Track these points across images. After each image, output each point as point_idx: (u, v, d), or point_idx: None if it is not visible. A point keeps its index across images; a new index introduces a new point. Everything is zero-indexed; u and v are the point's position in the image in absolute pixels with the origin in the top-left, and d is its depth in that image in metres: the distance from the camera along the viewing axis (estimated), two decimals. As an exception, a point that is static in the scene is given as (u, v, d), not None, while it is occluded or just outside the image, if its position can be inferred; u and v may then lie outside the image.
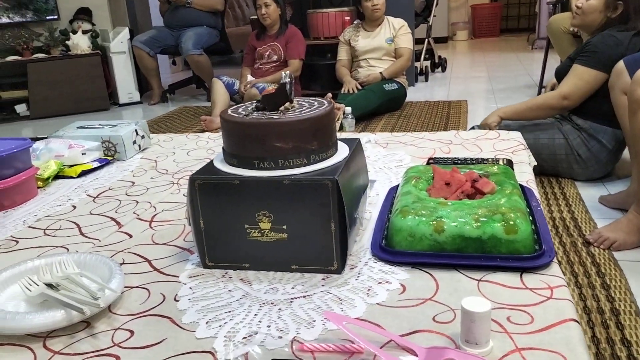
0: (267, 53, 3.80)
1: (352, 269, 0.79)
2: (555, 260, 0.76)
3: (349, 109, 2.88)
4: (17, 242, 0.98)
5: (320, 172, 0.78)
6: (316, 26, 4.06)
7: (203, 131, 3.42)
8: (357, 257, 0.83)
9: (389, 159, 1.29)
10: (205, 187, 0.80)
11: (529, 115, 2.05)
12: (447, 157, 1.17)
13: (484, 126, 2.04)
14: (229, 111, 0.84)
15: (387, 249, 0.81)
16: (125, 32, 4.40)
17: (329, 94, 3.01)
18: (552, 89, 2.26)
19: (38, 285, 0.73)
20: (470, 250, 0.78)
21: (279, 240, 0.79)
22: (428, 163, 1.14)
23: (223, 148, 0.85)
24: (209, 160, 1.38)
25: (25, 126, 4.09)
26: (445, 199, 0.86)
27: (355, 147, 0.90)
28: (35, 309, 0.72)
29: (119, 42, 4.37)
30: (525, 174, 1.10)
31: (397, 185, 1.04)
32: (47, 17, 4.37)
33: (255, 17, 4.03)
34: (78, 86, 4.23)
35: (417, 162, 1.25)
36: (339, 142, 0.89)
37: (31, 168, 1.19)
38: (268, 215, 0.78)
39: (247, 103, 0.89)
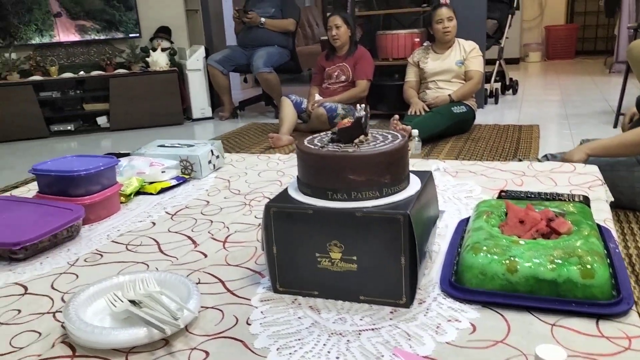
0: (336, 73, 3.85)
1: (421, 303, 0.80)
2: (634, 308, 0.73)
3: (415, 131, 2.87)
4: (102, 256, 1.04)
5: (392, 205, 0.79)
6: (385, 47, 4.08)
7: (270, 148, 3.51)
8: (425, 292, 0.83)
9: (458, 189, 1.28)
10: (279, 214, 0.82)
11: (621, 153, 1.83)
12: (519, 191, 1.15)
13: (566, 161, 1.94)
14: (305, 142, 0.87)
15: (457, 286, 0.81)
16: (201, 51, 4.59)
17: (396, 116, 3.02)
18: (631, 118, 2.16)
19: (122, 302, 0.78)
20: (543, 292, 0.76)
21: (349, 270, 0.80)
22: (499, 196, 1.13)
23: (297, 177, 0.88)
24: (279, 183, 1.43)
25: (105, 137, 4.33)
26: (519, 237, 0.85)
27: (427, 180, 0.91)
28: (119, 325, 0.77)
29: (195, 60, 4.56)
30: (602, 212, 1.06)
31: (467, 218, 1.03)
32: (130, 35, 4.64)
33: (326, 37, 4.11)
34: (155, 101, 4.44)
35: (487, 193, 1.23)
36: (410, 174, 0.90)
37: (116, 185, 1.27)
38: (339, 245, 0.80)
39: (322, 134, 0.92)
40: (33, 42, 4.47)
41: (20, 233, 1.02)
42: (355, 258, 0.80)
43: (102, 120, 4.48)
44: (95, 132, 4.47)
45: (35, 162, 3.39)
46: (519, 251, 0.79)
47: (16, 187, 2.97)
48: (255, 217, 1.20)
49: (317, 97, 3.84)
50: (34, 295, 0.89)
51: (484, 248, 0.81)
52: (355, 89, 3.78)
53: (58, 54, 4.57)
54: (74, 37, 4.55)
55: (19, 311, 0.84)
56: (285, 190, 0.89)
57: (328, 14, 4.20)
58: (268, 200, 1.29)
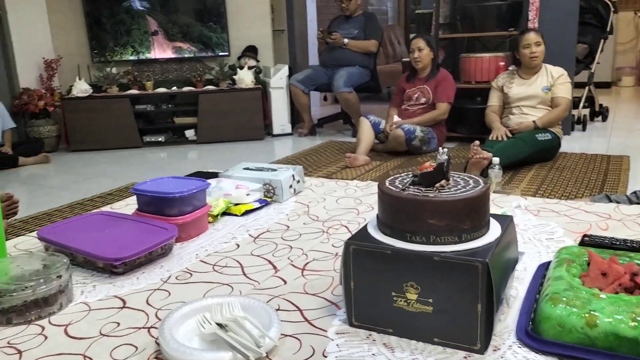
0: (416, 95, 3.85)
1: (495, 350, 0.80)
2: None
3: (496, 160, 2.81)
4: (191, 274, 1.12)
5: (471, 252, 0.80)
6: (468, 70, 4.03)
7: (346, 167, 3.56)
8: (500, 339, 0.83)
9: (539, 230, 1.26)
10: (358, 252, 0.86)
11: None
12: (604, 237, 1.12)
13: None
14: (387, 182, 0.90)
15: (534, 336, 0.81)
16: (284, 69, 4.74)
17: (477, 142, 2.98)
18: None
19: (210, 324, 0.84)
20: (624, 350, 0.75)
21: (424, 312, 0.82)
22: (582, 241, 1.10)
23: (377, 215, 0.91)
24: (356, 211, 1.47)
25: (192, 149, 4.56)
26: (600, 290, 0.83)
27: (508, 225, 0.91)
28: (207, 346, 0.83)
29: (279, 79, 4.72)
30: (695, 265, 1.01)
31: (547, 263, 1.02)
32: (220, 54, 4.88)
33: (407, 59, 4.13)
34: (239, 117, 4.63)
35: (570, 236, 1.21)
36: (491, 218, 0.91)
37: (206, 206, 1.36)
38: (415, 287, 0.82)
39: (403, 174, 0.95)
40: (132, 58, 4.81)
41: (121, 249, 1.12)
42: (431, 300, 0.82)
43: (189, 133, 4.73)
44: (183, 144, 4.72)
45: (128, 170, 3.62)
46: (600, 305, 0.78)
47: (110, 194, 3.20)
48: (332, 245, 1.24)
49: (396, 118, 3.86)
50: (132, 310, 0.98)
51: (564, 299, 0.80)
52: (435, 111, 3.77)
53: (154, 69, 4.88)
54: (169, 54, 4.85)
55: (118, 324, 0.93)
56: (365, 227, 0.92)
57: (411, 36, 4.22)
58: (345, 228, 1.34)
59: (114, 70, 4.71)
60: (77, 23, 4.75)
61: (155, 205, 1.30)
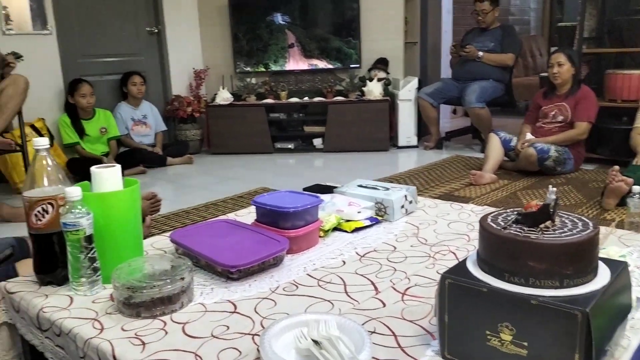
0: (553, 112, 3.64)
1: (593, 406, 0.76)
2: None
3: (637, 188, 2.57)
4: (297, 287, 1.19)
5: (571, 299, 0.77)
6: (614, 87, 3.72)
7: (471, 184, 3.46)
8: (601, 394, 0.78)
9: (669, 276, 1.15)
10: (454, 287, 0.86)
11: None
12: None
13: None
14: (489, 219, 0.89)
15: (638, 397, 0.75)
16: (414, 82, 4.73)
17: (616, 167, 2.74)
18: None
19: (306, 340, 0.90)
20: None
21: (518, 354, 0.80)
22: None
23: (477, 250, 0.91)
24: (467, 237, 1.45)
25: (318, 157, 4.73)
26: None
27: (620, 272, 0.86)
28: (301, 360, 0.89)
29: (407, 91, 4.72)
30: None
31: (670, 317, 0.94)
32: (351, 66, 5.00)
33: (545, 74, 3.91)
34: (365, 127, 4.71)
35: None
36: (600, 263, 0.86)
37: (317, 221, 1.43)
38: (510, 328, 0.81)
39: (508, 210, 0.93)
40: (269, 69, 5.11)
41: (237, 257, 1.23)
42: (526, 344, 0.79)
43: (317, 142, 4.90)
44: (310, 152, 4.91)
45: (259, 174, 3.85)
46: None
47: (241, 196, 3.43)
48: (437, 272, 1.24)
49: (529, 136, 3.68)
50: (241, 315, 1.07)
51: (677, 362, 0.74)
52: (574, 130, 3.53)
53: (288, 80, 5.14)
54: (303, 66, 5.07)
55: (228, 327, 1.02)
56: (464, 262, 0.92)
57: (552, 50, 3.99)
58: (453, 255, 1.33)
59: (253, 80, 5.03)
60: (224, 37, 5.16)
61: (271, 217, 1.40)
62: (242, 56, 5.12)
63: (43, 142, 1.20)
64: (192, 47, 5.20)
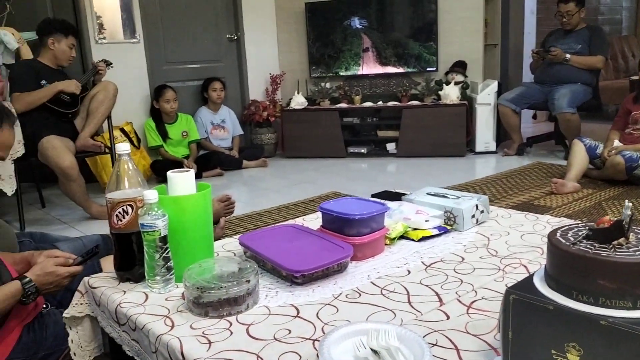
0: (644, 119, 3.41)
1: None
2: None
3: None
4: (360, 295, 1.20)
5: (645, 322, 0.72)
6: None
7: (552, 193, 3.31)
8: None
9: None
10: (518, 302, 0.83)
11: None
12: None
13: None
14: (558, 234, 0.86)
15: None
16: (493, 86, 4.59)
17: None
18: None
19: (365, 349, 0.90)
20: None
21: (586, 378, 0.76)
22: None
23: (545, 266, 0.87)
24: (540, 250, 1.39)
25: (391, 162, 4.69)
26: None
27: None
28: (359, 368, 0.89)
29: (486, 95, 4.59)
30: None
31: None
32: (427, 69, 4.92)
33: (636, 77, 3.67)
34: (441, 132, 4.62)
35: None
36: (683, 285, 0.80)
37: (383, 229, 1.43)
38: (578, 349, 0.77)
39: (580, 225, 0.88)
40: (344, 74, 5.14)
41: (302, 262, 1.25)
42: (594, 367, 0.75)
43: (390, 147, 4.87)
44: (383, 156, 4.89)
45: (331, 178, 3.89)
46: None
47: (312, 200, 3.48)
48: (506, 285, 1.19)
49: (617, 143, 3.47)
50: (303, 320, 1.09)
51: None
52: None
53: (363, 84, 5.15)
54: (378, 70, 5.06)
55: (290, 331, 1.04)
56: (531, 277, 0.88)
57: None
58: (524, 268, 1.28)
59: (328, 85, 5.09)
60: (300, 42, 5.25)
61: (337, 224, 1.41)
62: (317, 61, 5.18)
63: (125, 147, 1.28)
64: (269, 52, 5.34)
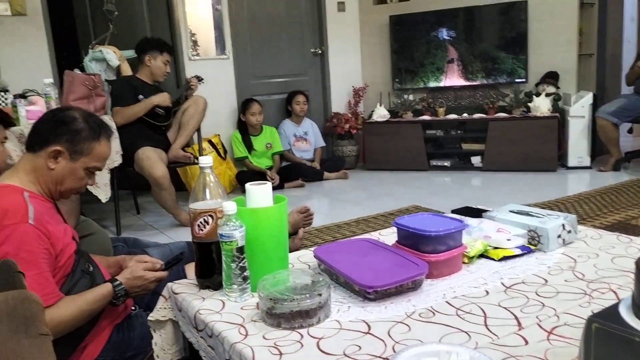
0: None
1: None
2: None
3: None
4: (434, 314, 1.17)
5: None
6: None
7: (652, 214, 3.07)
8: None
9: None
10: (601, 332, 0.78)
11: None
12: None
13: None
14: (648, 260, 0.79)
15: None
16: (588, 97, 4.34)
17: None
18: None
19: (434, 371, 0.88)
20: None
21: (679, 420, 0.70)
22: None
23: (633, 294, 0.81)
24: (631, 276, 1.28)
25: (476, 176, 4.56)
26: None
27: None
28: (428, 390, 0.87)
29: (580, 107, 4.35)
30: None
31: None
32: (516, 80, 4.74)
33: None
34: (530, 146, 4.43)
35: None
36: None
37: (461, 247, 1.38)
38: (670, 388, 0.70)
39: (675, 252, 0.81)
40: (428, 85, 5.06)
41: (375, 278, 1.24)
42: (688, 409, 0.69)
43: (475, 160, 4.73)
44: (468, 170, 4.75)
45: (412, 192, 3.83)
46: None
47: (391, 213, 3.45)
48: (592, 312, 1.12)
49: None
50: (373, 337, 1.08)
51: None
52: None
53: (447, 96, 5.05)
54: (463, 81, 4.94)
55: (360, 347, 1.04)
56: (616, 305, 0.82)
57: None
58: (613, 294, 1.19)
59: (411, 97, 5.04)
60: (383, 54, 5.25)
61: (412, 240, 1.39)
62: (401, 73, 5.15)
63: (207, 160, 1.34)
64: (353, 65, 5.38)
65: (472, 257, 1.44)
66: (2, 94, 3.33)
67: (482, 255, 1.47)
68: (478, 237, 1.50)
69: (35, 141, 1.54)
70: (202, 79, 3.85)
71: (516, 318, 1.13)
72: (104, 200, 3.12)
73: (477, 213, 1.73)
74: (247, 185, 1.34)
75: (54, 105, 3.12)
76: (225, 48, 4.64)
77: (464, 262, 1.43)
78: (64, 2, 5.09)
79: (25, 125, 2.88)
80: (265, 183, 1.35)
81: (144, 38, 3.72)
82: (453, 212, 1.87)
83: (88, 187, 1.70)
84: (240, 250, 1.26)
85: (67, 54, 5.42)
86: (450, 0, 4.87)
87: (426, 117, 4.91)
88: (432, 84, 5.04)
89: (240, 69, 4.76)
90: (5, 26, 3.76)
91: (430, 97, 5.08)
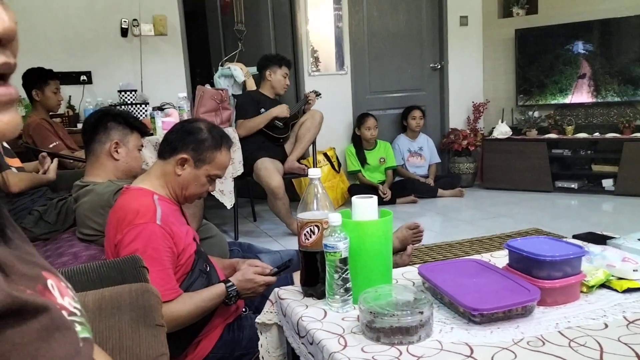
0: None
1: None
2: None
3: None
4: (544, 344, 1.10)
5: None
6: None
7: None
8: None
9: None
10: None
11: None
12: None
13: None
14: None
15: None
16: None
17: None
18: None
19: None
20: None
21: None
22: None
23: None
24: None
25: (607, 201, 4.20)
26: None
27: None
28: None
29: None
30: None
31: None
32: (657, 97, 4.32)
33: None
34: (673, 170, 4.00)
35: None
36: None
37: (579, 275, 1.29)
38: None
39: None
40: (555, 102, 4.77)
41: (481, 300, 1.19)
42: None
43: (607, 183, 4.36)
44: (597, 193, 4.40)
45: (533, 214, 3.64)
46: None
47: (508, 235, 3.28)
48: None
49: None
50: (475, 361, 1.04)
51: None
52: None
53: (577, 114, 4.72)
54: (595, 98, 4.59)
55: (460, 370, 1.00)
56: None
57: None
58: None
59: (536, 113, 4.78)
60: (507, 69, 5.05)
61: (525, 264, 1.32)
62: (525, 88, 4.91)
63: (316, 172, 1.38)
64: (474, 80, 5.23)
65: (592, 287, 1.33)
66: (143, 106, 3.69)
67: (604, 285, 1.35)
68: (600, 266, 1.38)
69: (166, 149, 1.69)
70: (320, 94, 3.96)
71: (637, 356, 1.02)
72: (229, 207, 3.32)
73: (601, 240, 1.60)
74: (354, 198, 1.36)
75: (185, 117, 3.39)
76: (344, 64, 4.74)
77: (582, 291, 1.32)
78: (200, 23, 5.54)
79: (160, 135, 3.16)
80: (372, 197, 1.36)
81: (264, 55, 3.93)
82: (574, 237, 1.75)
83: (215, 194, 1.83)
84: (344, 261, 1.28)
85: (200, 69, 5.88)
86: (583, 12, 4.56)
87: (552, 135, 4.62)
88: (560, 101, 4.74)
89: (358, 83, 4.83)
90: (149, 45, 4.16)
91: (558, 114, 4.78)
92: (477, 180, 5.01)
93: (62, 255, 1.94)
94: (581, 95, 4.64)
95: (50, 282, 0.51)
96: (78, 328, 0.51)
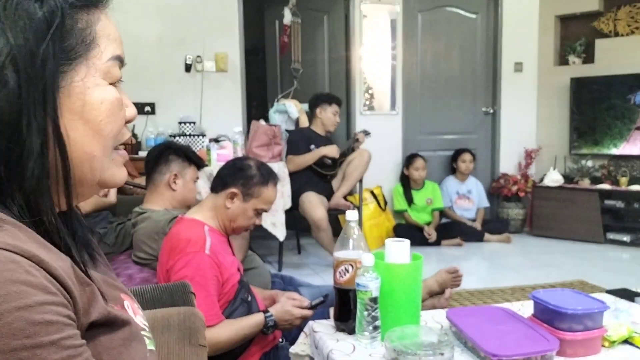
0: None
1: None
2: None
3: None
4: (559, 394, 1.14)
5: None
6: None
7: None
8: None
9: None
10: None
11: None
12: None
13: None
14: None
15: None
16: None
17: None
18: None
19: None
20: None
21: None
22: None
23: None
24: None
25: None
26: None
27: None
28: None
29: None
30: None
31: None
32: None
33: None
34: None
35: None
36: None
37: (600, 329, 1.32)
38: None
39: None
40: (610, 152, 4.70)
41: (501, 346, 1.25)
42: None
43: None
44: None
45: (581, 265, 3.58)
46: None
47: (553, 286, 3.25)
48: None
49: None
50: (489, 404, 1.10)
51: None
52: None
53: (632, 165, 4.63)
54: (652, 150, 4.49)
55: (473, 412, 1.07)
56: None
57: None
58: None
59: (589, 163, 4.72)
60: (561, 117, 5.03)
61: (548, 315, 1.36)
62: (579, 137, 4.87)
63: (354, 215, 1.49)
64: (527, 126, 5.22)
65: (614, 342, 1.36)
66: (200, 137, 3.93)
67: (627, 342, 1.37)
68: (625, 322, 1.41)
69: (218, 183, 1.85)
70: (369, 133, 4.08)
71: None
72: (281, 239, 3.45)
73: (632, 296, 1.62)
74: (387, 241, 1.46)
75: (239, 150, 3.59)
76: (395, 104, 4.86)
77: (603, 346, 1.35)
78: (259, 58, 5.82)
79: (215, 166, 3.35)
80: (404, 241, 1.45)
81: (315, 94, 4.10)
82: (608, 292, 1.76)
83: (267, 227, 1.96)
84: (374, 300, 1.36)
85: (256, 103, 6.15)
86: (638, 64, 4.51)
87: (606, 186, 4.54)
88: (614, 151, 4.67)
89: (408, 124, 4.93)
90: (210, 80, 4.44)
91: (612, 165, 4.70)
92: (526, 227, 4.95)
93: (118, 275, 2.11)
94: (636, 146, 4.55)
95: (127, 303, 0.65)
96: (146, 341, 0.64)
